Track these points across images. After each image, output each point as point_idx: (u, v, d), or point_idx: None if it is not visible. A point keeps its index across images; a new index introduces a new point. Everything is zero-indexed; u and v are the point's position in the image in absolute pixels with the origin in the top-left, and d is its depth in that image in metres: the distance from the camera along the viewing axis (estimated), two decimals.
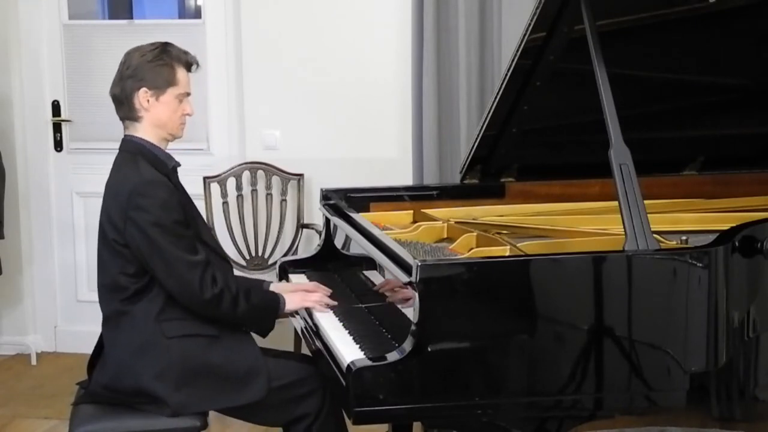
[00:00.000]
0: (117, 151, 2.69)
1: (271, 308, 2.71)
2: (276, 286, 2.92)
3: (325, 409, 2.69)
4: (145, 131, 2.65)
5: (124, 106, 2.65)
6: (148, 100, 2.62)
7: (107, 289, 2.64)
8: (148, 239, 2.52)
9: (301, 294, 2.79)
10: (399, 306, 2.50)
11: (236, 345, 2.65)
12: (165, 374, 2.56)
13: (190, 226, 2.62)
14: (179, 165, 2.72)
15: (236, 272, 2.97)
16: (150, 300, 2.59)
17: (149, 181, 2.56)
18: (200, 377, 2.58)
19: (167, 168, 2.66)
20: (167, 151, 2.71)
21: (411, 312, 2.24)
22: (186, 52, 2.69)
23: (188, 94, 2.69)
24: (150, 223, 2.52)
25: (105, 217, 2.62)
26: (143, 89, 2.61)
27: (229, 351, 2.62)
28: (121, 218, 2.55)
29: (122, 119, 2.69)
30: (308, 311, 2.78)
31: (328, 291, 2.81)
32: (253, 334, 2.73)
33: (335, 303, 2.77)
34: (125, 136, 2.69)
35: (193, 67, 2.71)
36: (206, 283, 2.54)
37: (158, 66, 2.62)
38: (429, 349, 2.18)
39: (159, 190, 2.55)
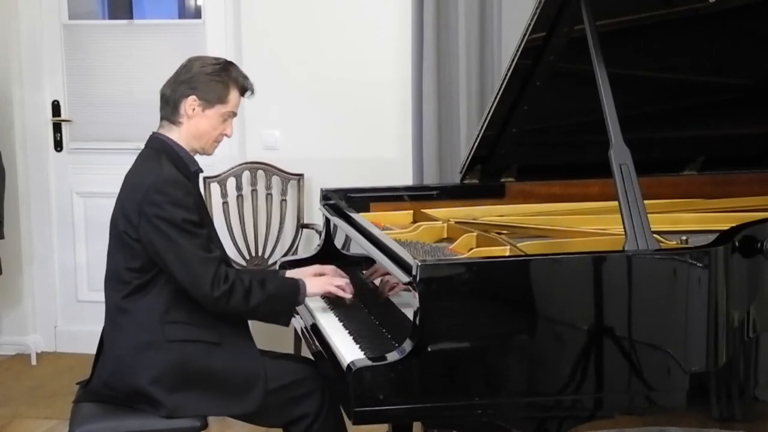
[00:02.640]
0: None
1: (289, 295, 2.66)
2: (294, 272, 2.83)
3: (324, 410, 2.68)
4: (179, 136, 2.67)
5: (169, 107, 2.67)
6: (194, 109, 2.64)
7: (110, 280, 2.66)
8: (162, 234, 2.52)
9: (326, 278, 2.76)
10: (398, 305, 2.50)
11: (236, 353, 2.63)
12: (162, 376, 2.56)
13: (204, 227, 2.62)
14: (201, 171, 2.74)
15: None
16: (152, 299, 2.59)
17: (168, 179, 2.57)
18: (197, 383, 2.58)
19: (189, 171, 2.67)
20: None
21: (411, 312, 2.24)
22: (245, 77, 2.72)
23: (234, 115, 2.72)
24: (164, 220, 2.52)
25: (119, 208, 2.63)
26: (192, 97, 2.63)
27: (228, 359, 2.61)
28: (136, 212, 2.55)
29: (161, 118, 2.70)
30: (308, 311, 2.78)
31: (347, 277, 2.78)
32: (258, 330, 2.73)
33: (353, 292, 2.74)
34: (154, 133, 2.70)
35: (247, 93, 2.74)
36: (219, 279, 2.53)
37: (214, 81, 2.64)
38: (429, 349, 2.18)
39: (177, 189, 2.55)
